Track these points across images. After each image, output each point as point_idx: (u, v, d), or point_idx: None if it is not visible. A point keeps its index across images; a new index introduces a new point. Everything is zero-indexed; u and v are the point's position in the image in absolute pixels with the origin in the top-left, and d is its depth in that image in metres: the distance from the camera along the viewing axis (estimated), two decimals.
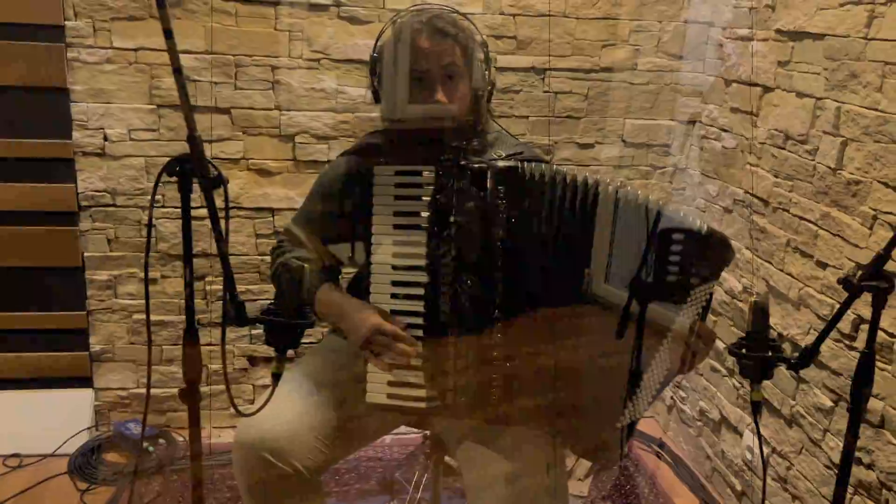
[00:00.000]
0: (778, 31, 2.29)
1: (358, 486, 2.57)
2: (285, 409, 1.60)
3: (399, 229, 1.58)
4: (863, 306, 1.89)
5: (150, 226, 1.30)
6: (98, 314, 2.70)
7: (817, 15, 2.11)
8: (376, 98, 1.73)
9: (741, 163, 2.49)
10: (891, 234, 1.81)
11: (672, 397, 2.96)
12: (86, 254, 2.64)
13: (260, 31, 2.55)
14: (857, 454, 1.90)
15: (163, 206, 2.63)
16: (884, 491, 1.85)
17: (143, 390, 2.80)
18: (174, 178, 1.21)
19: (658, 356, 1.43)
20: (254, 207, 2.70)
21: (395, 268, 1.58)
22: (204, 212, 1.24)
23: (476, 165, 1.54)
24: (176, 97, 2.54)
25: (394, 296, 1.58)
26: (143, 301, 2.71)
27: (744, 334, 1.42)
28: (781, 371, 2.16)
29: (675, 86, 2.82)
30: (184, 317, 2.69)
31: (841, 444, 1.94)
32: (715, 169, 2.67)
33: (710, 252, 1.39)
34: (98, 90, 2.52)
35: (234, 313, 1.28)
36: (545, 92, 2.76)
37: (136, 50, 2.51)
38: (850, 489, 1.91)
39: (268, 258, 2.39)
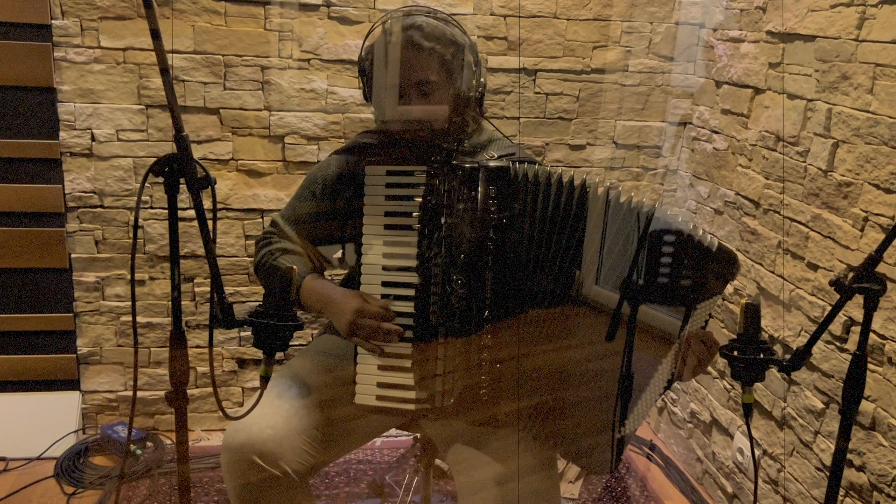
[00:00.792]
0: (769, 32, 2.30)
1: (348, 489, 2.56)
2: (274, 412, 1.59)
3: (390, 229, 1.57)
4: (853, 308, 1.89)
5: (136, 227, 1.28)
6: (85, 316, 2.68)
7: (808, 17, 2.11)
8: (367, 98, 1.73)
9: (732, 164, 2.49)
10: (882, 236, 1.81)
11: (663, 399, 2.96)
12: (73, 255, 2.62)
13: (249, 30, 2.54)
14: (849, 456, 1.90)
15: (150, 207, 2.62)
16: (875, 493, 1.85)
17: (131, 393, 2.77)
18: (161, 179, 1.20)
19: (661, 368, 1.42)
20: (243, 209, 2.69)
21: (385, 268, 1.58)
22: (193, 212, 1.22)
23: (467, 165, 1.53)
24: (164, 97, 2.53)
25: (384, 296, 1.58)
26: (131, 303, 2.69)
27: (735, 336, 1.41)
28: (772, 373, 2.16)
29: (666, 87, 2.82)
30: (171, 319, 2.69)
31: (832, 446, 1.94)
32: (706, 170, 2.67)
33: (717, 267, 1.40)
34: (86, 90, 2.50)
35: (222, 315, 1.27)
36: (536, 93, 2.76)
37: (124, 49, 2.49)
38: (841, 491, 1.92)
39: None
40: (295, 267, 1.32)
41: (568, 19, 2.70)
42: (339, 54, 2.60)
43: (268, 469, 1.53)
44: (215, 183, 1.23)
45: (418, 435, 1.99)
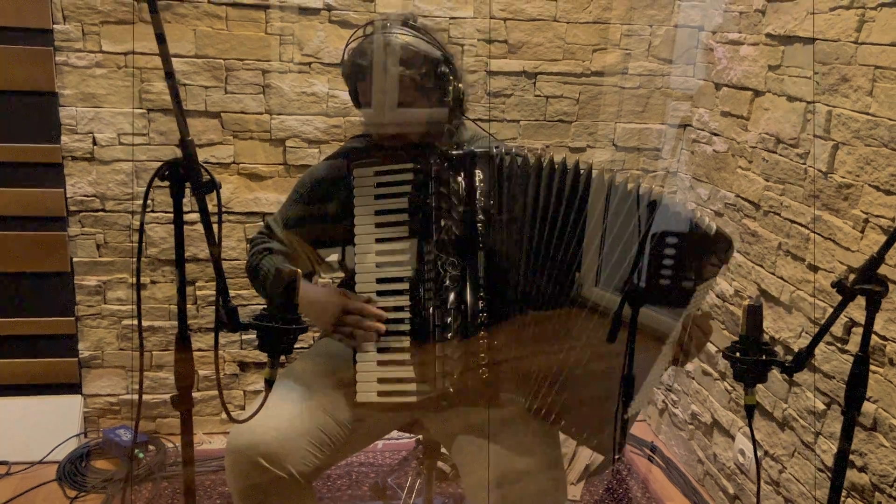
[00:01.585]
0: (768, 35, 2.30)
1: (350, 491, 2.56)
2: (277, 414, 1.59)
3: (381, 227, 1.61)
4: (854, 309, 1.89)
5: (141, 231, 1.29)
6: (87, 320, 2.68)
7: (807, 19, 2.11)
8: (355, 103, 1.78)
9: (732, 166, 2.50)
10: (882, 238, 1.82)
11: (664, 401, 2.96)
12: (74, 259, 2.62)
13: (251, 34, 2.54)
14: (850, 457, 1.91)
15: (152, 211, 2.62)
16: (876, 494, 1.85)
17: (133, 396, 2.78)
18: (165, 183, 1.20)
19: (664, 349, 1.44)
20: (244, 212, 2.69)
21: (378, 265, 1.61)
22: (193, 216, 1.23)
23: (454, 153, 1.60)
24: (166, 101, 2.54)
25: (379, 293, 1.61)
26: (133, 307, 2.69)
27: (736, 338, 1.42)
28: (773, 374, 2.17)
29: (665, 90, 2.83)
30: (174, 322, 2.69)
31: (833, 447, 1.95)
32: (706, 172, 2.67)
33: (711, 250, 1.42)
34: (87, 94, 2.50)
35: (228, 319, 1.27)
36: (536, 96, 2.76)
37: (125, 54, 2.49)
38: (842, 492, 1.92)
39: None
40: (299, 270, 1.33)
41: (567, 22, 2.71)
42: (339, 58, 2.60)
43: (272, 470, 1.54)
44: (220, 188, 1.23)
45: (420, 437, 2.00)
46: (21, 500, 2.43)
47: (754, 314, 1.39)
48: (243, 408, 2.85)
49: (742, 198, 2.44)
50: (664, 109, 2.86)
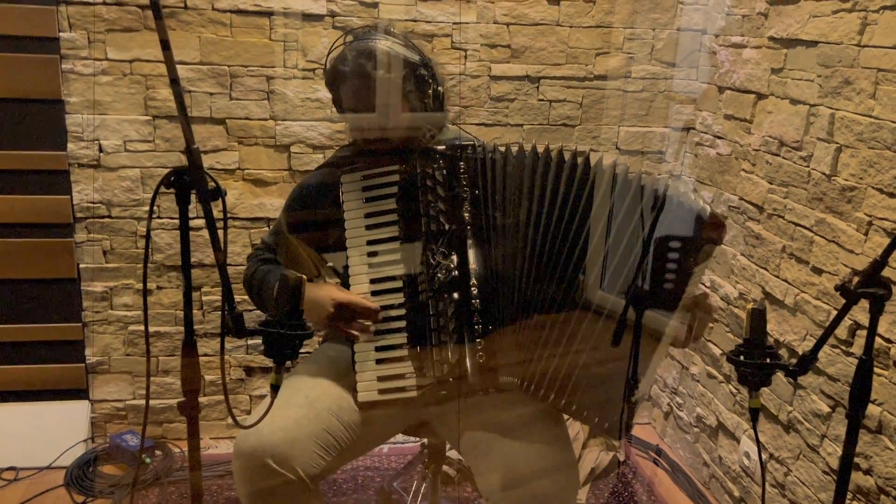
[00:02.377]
0: (771, 38, 2.31)
1: (355, 496, 2.57)
2: (284, 416, 1.60)
3: (372, 230, 1.66)
4: (859, 312, 1.90)
5: (147, 237, 1.30)
6: (94, 326, 2.70)
7: (810, 22, 2.12)
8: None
9: (736, 169, 2.50)
10: (885, 240, 1.82)
11: (669, 403, 2.96)
12: (81, 265, 2.64)
13: (255, 41, 2.56)
14: (855, 460, 1.91)
15: (158, 217, 2.63)
16: (882, 496, 1.85)
17: (140, 402, 2.79)
18: (171, 190, 1.21)
19: (666, 331, 1.47)
20: (249, 218, 2.70)
21: (371, 266, 1.65)
22: (199, 222, 1.24)
23: (439, 147, 1.66)
24: (171, 108, 2.55)
25: (374, 293, 1.65)
26: (139, 312, 2.71)
27: (740, 341, 1.42)
28: (778, 377, 2.17)
29: (668, 93, 2.84)
30: (179, 328, 2.70)
31: (838, 450, 1.94)
32: (710, 175, 2.68)
33: (710, 231, 1.49)
34: (93, 101, 2.52)
35: (234, 324, 1.28)
36: (539, 100, 2.77)
37: (131, 61, 2.51)
38: (848, 494, 1.92)
39: None
40: (304, 276, 1.34)
41: (570, 27, 2.71)
42: None
43: (280, 472, 1.55)
44: (226, 195, 1.24)
45: (426, 441, 2.00)
46: None
47: (758, 317, 1.39)
48: (249, 412, 2.86)
49: (746, 201, 2.44)
50: (667, 113, 2.86)
